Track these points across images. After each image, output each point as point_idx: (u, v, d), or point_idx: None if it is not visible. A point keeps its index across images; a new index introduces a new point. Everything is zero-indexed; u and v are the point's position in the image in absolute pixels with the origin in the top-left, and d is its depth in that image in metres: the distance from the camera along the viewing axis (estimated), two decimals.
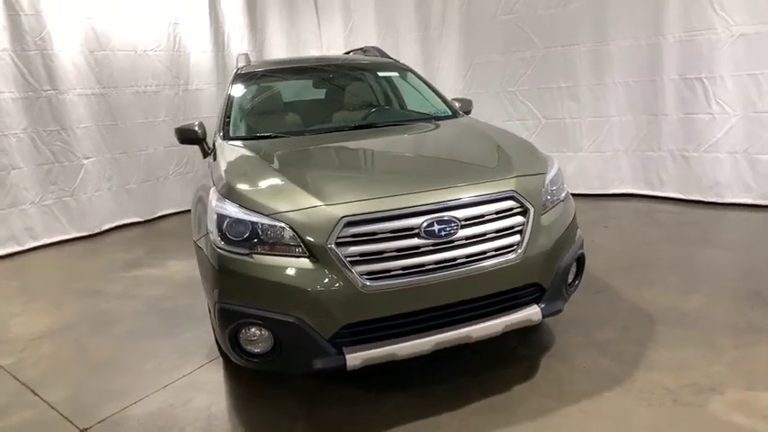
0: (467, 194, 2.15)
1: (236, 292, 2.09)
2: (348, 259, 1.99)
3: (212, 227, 2.18)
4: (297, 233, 2.03)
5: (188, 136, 3.32)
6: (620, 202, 5.27)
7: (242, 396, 2.53)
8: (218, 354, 2.90)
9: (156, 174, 6.44)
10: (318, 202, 2.08)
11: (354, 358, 2.03)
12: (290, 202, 2.11)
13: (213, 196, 2.27)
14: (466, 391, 2.37)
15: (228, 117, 3.24)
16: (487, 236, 2.14)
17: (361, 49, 4.58)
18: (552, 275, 2.29)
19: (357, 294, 1.99)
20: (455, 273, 2.08)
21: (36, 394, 2.72)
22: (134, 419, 2.42)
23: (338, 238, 2.00)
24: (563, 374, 2.46)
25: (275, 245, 2.07)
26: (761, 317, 2.81)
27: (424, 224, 2.05)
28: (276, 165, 2.47)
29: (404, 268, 2.03)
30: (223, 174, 2.40)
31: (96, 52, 5.79)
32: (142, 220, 6.30)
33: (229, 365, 2.77)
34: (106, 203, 5.99)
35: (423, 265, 2.05)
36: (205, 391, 2.60)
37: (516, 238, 2.19)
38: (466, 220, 2.11)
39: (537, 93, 5.67)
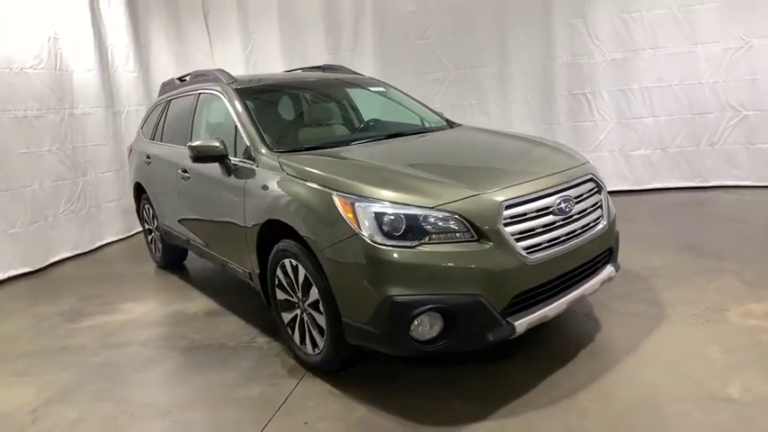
0: (570, 177, 2.60)
1: (411, 282, 2.19)
2: (513, 237, 2.27)
3: (369, 226, 2.24)
4: (467, 220, 2.23)
5: (209, 153, 3.13)
6: None
7: (375, 397, 2.51)
8: (305, 371, 2.82)
9: (44, 213, 5.44)
10: (474, 192, 2.31)
11: (521, 324, 2.30)
12: (447, 194, 2.30)
13: (354, 199, 2.31)
14: (562, 350, 2.77)
15: (260, 131, 3.15)
16: (587, 210, 2.63)
17: (319, 67, 4.70)
18: (614, 240, 2.87)
19: (522, 267, 2.27)
20: (576, 242, 2.50)
21: None
22: None
23: (503, 219, 2.27)
24: (620, 321, 3.04)
25: (443, 233, 2.23)
26: (705, 261, 3.80)
27: (556, 202, 2.44)
28: (393, 166, 2.61)
29: (548, 241, 2.39)
30: (346, 179, 2.44)
31: None
32: (32, 269, 5.26)
33: (329, 377, 2.72)
34: None
35: (558, 237, 2.43)
36: (328, 402, 2.52)
37: (600, 211, 2.72)
38: (576, 197, 2.56)
39: (450, 109, 6.36)
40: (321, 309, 2.55)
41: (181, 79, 4.71)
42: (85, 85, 5.97)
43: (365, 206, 2.28)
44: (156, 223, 4.82)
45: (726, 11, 5.37)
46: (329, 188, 2.44)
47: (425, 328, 2.23)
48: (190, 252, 4.96)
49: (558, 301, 2.44)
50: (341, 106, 3.91)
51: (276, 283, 2.89)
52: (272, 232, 2.82)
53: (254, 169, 2.99)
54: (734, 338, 2.74)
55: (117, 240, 6.32)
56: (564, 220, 2.47)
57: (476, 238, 2.24)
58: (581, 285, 2.57)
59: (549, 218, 2.42)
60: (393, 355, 2.58)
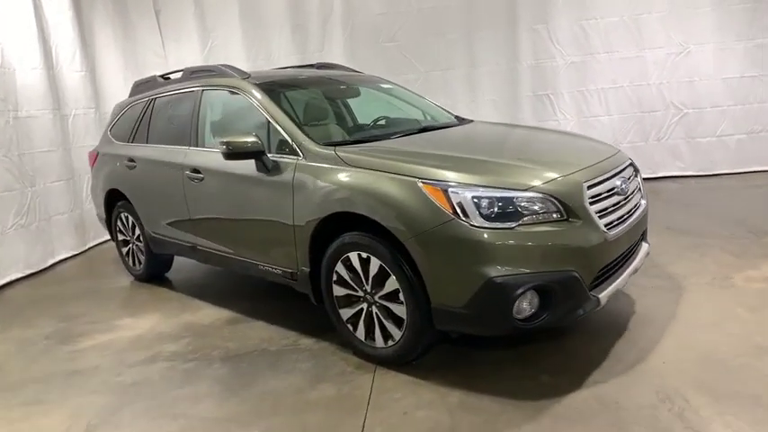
0: (619, 161, 2.82)
1: (511, 263, 2.25)
2: (597, 215, 2.43)
3: (467, 211, 2.28)
4: (558, 200, 2.34)
5: (245, 149, 2.98)
6: None
7: (462, 381, 2.53)
8: (375, 365, 2.78)
9: None
10: (558, 173, 2.44)
11: (604, 297, 2.45)
12: (535, 176, 2.40)
13: (446, 185, 2.35)
14: (613, 324, 2.96)
15: (300, 125, 3.08)
16: (635, 191, 2.86)
17: (311, 65, 4.63)
18: (647, 221, 3.14)
19: (605, 243, 2.42)
20: (632, 219, 2.71)
21: None
22: None
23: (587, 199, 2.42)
24: (648, 294, 3.30)
25: (535, 214, 2.32)
26: (690, 239, 4.23)
27: (618, 183, 2.64)
28: (461, 153, 2.67)
29: (617, 218, 2.57)
30: (429, 167, 2.46)
31: None
32: None
33: (404, 368, 2.70)
34: None
35: (623, 215, 2.62)
36: (417, 392, 2.50)
37: (640, 193, 2.97)
38: (628, 178, 2.78)
39: None
40: (402, 298, 2.54)
41: (164, 77, 4.43)
42: (30, 85, 5.38)
43: (460, 191, 2.32)
44: (137, 233, 4.46)
45: (668, 20, 6.06)
46: (412, 176, 2.45)
47: (525, 306, 2.31)
48: (175, 262, 4.67)
49: (624, 274, 2.63)
50: (360, 101, 3.89)
51: (334, 279, 2.83)
52: (331, 227, 2.76)
53: (301, 164, 2.91)
54: (750, 300, 3.11)
55: (71, 257, 5.73)
56: (624, 199, 2.67)
57: (566, 217, 2.36)
58: (634, 260, 2.79)
59: (615, 197, 2.61)
60: (485, 335, 2.63)
